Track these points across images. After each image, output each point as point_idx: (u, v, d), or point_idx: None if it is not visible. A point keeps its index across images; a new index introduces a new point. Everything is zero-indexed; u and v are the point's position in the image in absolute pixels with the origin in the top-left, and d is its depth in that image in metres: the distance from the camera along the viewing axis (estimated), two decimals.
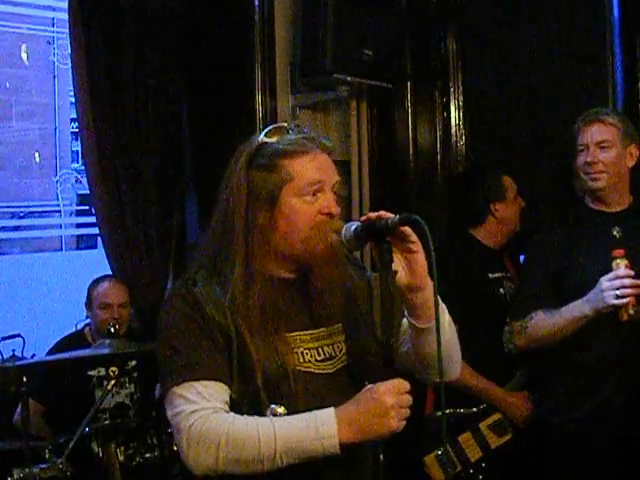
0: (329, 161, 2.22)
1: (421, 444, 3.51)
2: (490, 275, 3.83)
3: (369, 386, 2.05)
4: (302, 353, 2.17)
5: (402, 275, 2.11)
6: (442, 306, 2.16)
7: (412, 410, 2.05)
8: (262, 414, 2.08)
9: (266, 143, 2.22)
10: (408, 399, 2.03)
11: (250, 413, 2.09)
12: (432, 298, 2.12)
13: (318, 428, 2.00)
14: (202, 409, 2.06)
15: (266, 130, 2.26)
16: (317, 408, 2.08)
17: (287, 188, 2.16)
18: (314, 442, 1.99)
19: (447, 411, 3.57)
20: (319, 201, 2.16)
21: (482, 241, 3.90)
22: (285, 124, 2.29)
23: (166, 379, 2.14)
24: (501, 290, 3.82)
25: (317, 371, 2.18)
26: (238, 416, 2.09)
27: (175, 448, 2.16)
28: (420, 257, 2.12)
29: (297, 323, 2.19)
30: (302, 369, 2.16)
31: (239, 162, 2.24)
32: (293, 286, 2.21)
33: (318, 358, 2.19)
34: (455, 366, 2.30)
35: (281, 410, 2.08)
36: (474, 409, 3.71)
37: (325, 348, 2.21)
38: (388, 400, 2.00)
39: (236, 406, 2.12)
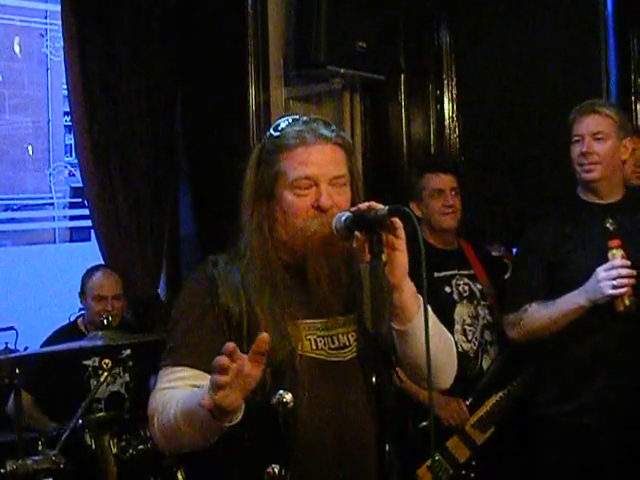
0: (329, 154, 2.20)
1: (410, 460, 3.48)
2: (436, 274, 3.81)
3: None
4: (315, 340, 2.18)
5: None
6: (421, 315, 2.12)
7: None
8: (267, 399, 2.09)
9: (271, 137, 2.24)
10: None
11: (256, 397, 2.07)
12: (409, 300, 2.13)
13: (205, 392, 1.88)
14: (166, 389, 2.10)
15: (276, 123, 2.28)
16: (322, 395, 2.11)
17: (280, 182, 2.18)
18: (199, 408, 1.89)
19: (424, 424, 3.56)
20: (312, 194, 2.17)
21: (428, 240, 3.88)
22: (295, 116, 2.28)
23: (161, 359, 2.20)
24: (447, 289, 3.81)
25: (330, 359, 2.18)
26: (180, 389, 2.08)
27: None
28: (401, 256, 2.10)
29: (310, 311, 2.20)
30: (314, 356, 2.17)
31: (252, 156, 2.27)
32: (305, 274, 2.21)
33: (332, 346, 2.20)
34: (443, 375, 2.27)
35: (288, 397, 2.09)
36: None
37: (340, 337, 2.22)
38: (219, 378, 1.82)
39: None
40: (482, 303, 3.86)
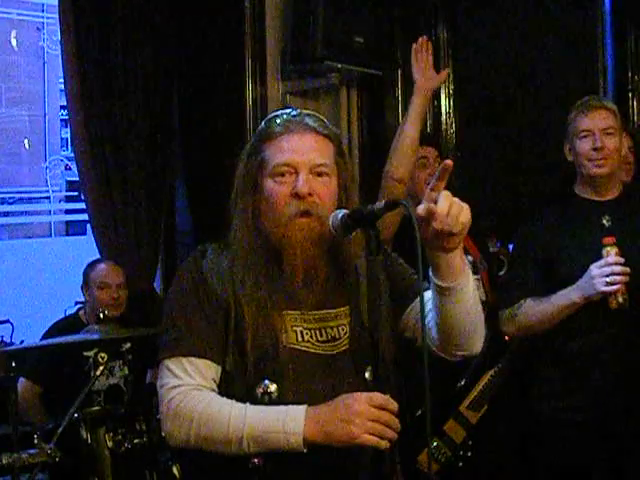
0: (311, 142, 2.19)
1: (411, 447, 3.52)
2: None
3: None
4: (301, 332, 2.17)
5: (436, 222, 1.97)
6: (468, 272, 2.11)
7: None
8: (253, 390, 2.11)
9: (260, 128, 2.26)
10: (384, 415, 2.00)
11: (242, 388, 2.13)
12: (457, 256, 2.06)
13: (286, 423, 2.01)
14: (184, 385, 2.12)
15: (268, 116, 2.28)
16: (308, 388, 2.11)
17: (261, 170, 2.19)
18: (280, 435, 2.01)
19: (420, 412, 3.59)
20: (290, 182, 2.16)
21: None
22: (287, 110, 2.28)
23: (160, 350, 2.19)
24: None
25: (316, 351, 2.17)
26: (216, 396, 2.12)
27: (163, 434, 2.20)
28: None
29: (299, 302, 2.19)
30: (298, 347, 2.16)
31: (244, 150, 2.27)
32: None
33: (320, 339, 2.19)
34: (478, 338, 2.23)
35: (273, 388, 2.10)
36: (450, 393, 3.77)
37: (328, 330, 2.20)
38: (356, 407, 1.99)
39: (230, 379, 2.15)
40: (475, 277, 3.85)
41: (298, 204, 2.14)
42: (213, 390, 2.15)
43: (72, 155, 5.21)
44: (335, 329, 2.21)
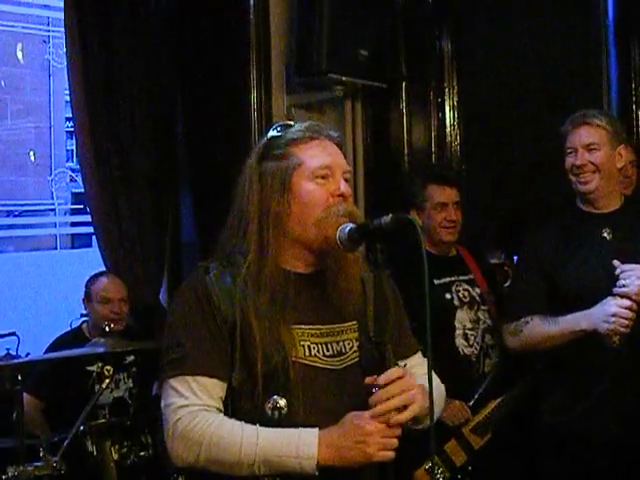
0: (338, 150, 2.26)
1: (409, 460, 3.50)
2: (436, 281, 3.82)
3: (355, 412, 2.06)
4: (308, 347, 2.17)
5: None
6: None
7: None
8: (260, 404, 2.10)
9: (275, 137, 2.26)
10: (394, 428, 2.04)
11: (250, 403, 2.12)
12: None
13: (299, 448, 2.02)
14: (191, 405, 2.10)
15: (274, 127, 2.30)
16: (316, 402, 2.11)
17: (298, 172, 2.19)
18: (293, 460, 2.02)
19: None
20: (330, 184, 2.19)
21: (427, 248, 3.87)
22: (291, 122, 2.32)
23: (164, 369, 2.17)
24: (447, 295, 3.83)
25: (323, 366, 2.17)
26: (225, 418, 2.11)
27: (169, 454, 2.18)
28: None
29: (306, 317, 2.19)
30: (306, 362, 2.15)
31: (251, 158, 2.27)
32: (307, 280, 2.21)
33: (327, 353, 2.19)
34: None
35: (282, 403, 2.09)
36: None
37: (334, 344, 2.21)
38: (368, 427, 2.01)
39: (237, 395, 2.14)
40: (482, 308, 3.88)
41: (344, 205, 2.18)
42: (220, 409, 2.14)
43: (77, 167, 5.23)
44: (341, 344, 2.22)
